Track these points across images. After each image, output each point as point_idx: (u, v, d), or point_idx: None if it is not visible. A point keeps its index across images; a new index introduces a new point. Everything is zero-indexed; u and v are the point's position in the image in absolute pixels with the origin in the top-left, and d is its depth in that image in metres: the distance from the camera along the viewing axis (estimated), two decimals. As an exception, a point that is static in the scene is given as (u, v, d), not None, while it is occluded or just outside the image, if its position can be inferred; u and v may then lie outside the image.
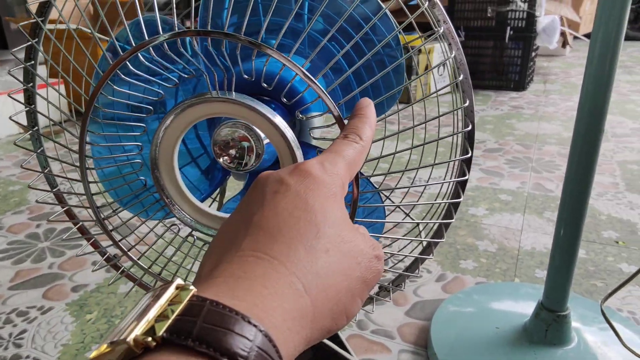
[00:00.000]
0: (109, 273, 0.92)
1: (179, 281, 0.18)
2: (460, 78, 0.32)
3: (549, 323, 0.65)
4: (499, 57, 2.42)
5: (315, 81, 0.29)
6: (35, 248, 1.03)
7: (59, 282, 0.91)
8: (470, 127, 0.33)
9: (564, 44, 3.04)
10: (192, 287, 0.18)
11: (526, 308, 0.73)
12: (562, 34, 2.99)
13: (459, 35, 2.40)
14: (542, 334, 0.65)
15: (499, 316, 0.74)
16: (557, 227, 0.63)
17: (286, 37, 0.43)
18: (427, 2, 0.31)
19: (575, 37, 3.31)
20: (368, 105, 0.28)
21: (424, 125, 0.44)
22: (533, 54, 2.45)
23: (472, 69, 2.48)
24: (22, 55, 0.39)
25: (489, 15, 2.36)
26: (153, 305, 0.17)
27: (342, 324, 0.21)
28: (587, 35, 3.41)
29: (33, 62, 0.37)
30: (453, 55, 0.32)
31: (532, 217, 1.12)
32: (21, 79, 0.38)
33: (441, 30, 0.31)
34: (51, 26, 0.37)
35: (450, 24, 0.33)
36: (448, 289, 0.85)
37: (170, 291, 0.17)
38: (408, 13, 0.34)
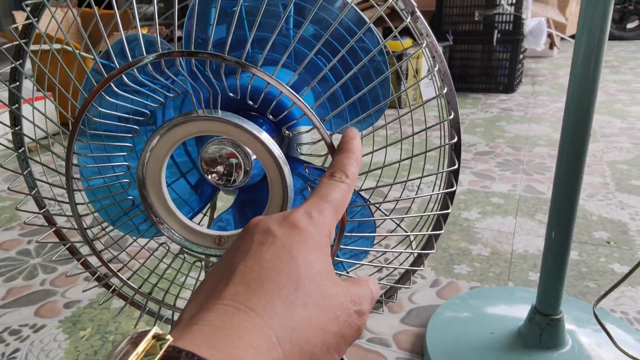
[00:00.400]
0: (102, 288, 0.91)
1: (155, 329, 0.18)
2: (445, 91, 0.33)
3: (543, 327, 0.65)
4: (488, 60, 2.44)
5: (303, 102, 0.29)
6: (26, 265, 1.02)
7: (51, 298, 0.90)
8: (456, 139, 0.33)
9: (551, 45, 3.08)
10: (168, 336, 0.18)
11: (520, 312, 0.73)
12: (549, 35, 3.02)
13: (447, 40, 2.42)
14: (536, 338, 0.66)
15: (493, 321, 0.74)
16: (548, 229, 0.64)
17: (276, 51, 0.43)
18: (409, 16, 0.32)
19: (562, 39, 3.34)
20: (354, 137, 0.29)
21: (413, 128, 0.44)
22: (521, 56, 2.47)
23: (462, 73, 2.50)
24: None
25: (476, 19, 2.38)
26: (131, 353, 0.17)
27: None
28: (574, 37, 3.45)
29: (18, 83, 0.37)
30: (437, 68, 0.32)
31: (524, 219, 1.12)
32: (7, 96, 0.38)
33: (424, 45, 0.32)
34: (35, 47, 0.37)
35: (433, 37, 0.34)
36: (443, 295, 0.85)
37: (147, 340, 0.18)
38: (392, 26, 0.34)
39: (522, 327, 0.69)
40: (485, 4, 2.35)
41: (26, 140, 0.44)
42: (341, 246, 0.33)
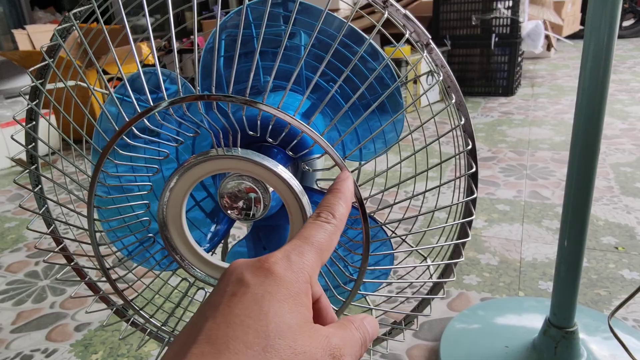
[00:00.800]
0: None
1: None
2: (463, 122, 0.33)
3: (558, 340, 0.65)
4: (486, 64, 2.45)
5: (325, 141, 0.29)
6: (35, 287, 1.02)
7: (62, 322, 0.90)
8: (474, 169, 0.34)
9: (549, 46, 3.09)
10: None
11: (533, 323, 0.73)
12: (546, 37, 3.03)
13: (445, 45, 2.42)
14: (551, 351, 0.66)
15: (507, 334, 0.74)
16: (561, 238, 0.63)
17: (283, 79, 0.44)
18: (425, 50, 0.32)
19: (558, 39, 3.35)
20: (346, 179, 0.28)
21: (424, 138, 0.44)
22: (519, 58, 2.48)
23: (461, 77, 2.51)
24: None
25: (473, 23, 2.39)
26: None
27: None
28: (570, 37, 3.46)
29: (34, 122, 0.37)
30: (454, 101, 0.32)
31: (531, 226, 1.12)
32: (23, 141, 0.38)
33: (441, 78, 0.32)
34: (51, 86, 0.37)
35: (448, 67, 0.34)
36: (454, 307, 0.85)
37: None
38: (409, 61, 0.34)
39: (537, 340, 0.69)
40: (482, 8, 2.36)
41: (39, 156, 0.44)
42: (364, 280, 0.33)
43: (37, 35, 2.13)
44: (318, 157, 0.34)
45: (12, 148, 1.79)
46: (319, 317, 0.26)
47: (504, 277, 0.93)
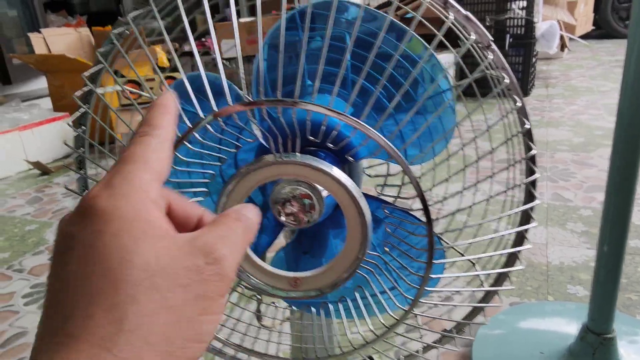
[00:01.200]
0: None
1: None
2: (528, 126, 0.32)
3: (596, 347, 0.64)
4: (500, 65, 2.44)
5: (392, 146, 0.29)
6: (58, 290, 1.02)
7: (87, 325, 0.89)
8: (538, 175, 0.33)
9: (562, 47, 3.07)
10: None
11: (566, 328, 0.72)
12: (560, 37, 3.01)
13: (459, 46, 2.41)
14: (589, 358, 0.64)
15: (540, 339, 0.73)
16: (600, 243, 0.62)
17: (330, 82, 0.43)
18: (490, 55, 0.31)
19: (571, 39, 3.33)
20: (164, 94, 0.23)
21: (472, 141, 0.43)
22: (534, 59, 2.46)
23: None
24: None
25: (487, 24, 2.38)
26: None
27: (194, 354, 0.19)
28: (582, 37, 3.43)
29: (84, 127, 0.37)
30: (519, 105, 0.32)
31: (555, 229, 1.11)
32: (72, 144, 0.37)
33: (506, 80, 0.31)
34: (100, 90, 0.37)
35: (509, 67, 0.33)
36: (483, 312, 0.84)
37: None
38: (467, 71, 0.33)
39: (573, 346, 0.67)
40: (496, 9, 2.34)
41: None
42: (426, 288, 0.32)
43: (53, 38, 2.14)
44: (383, 163, 0.33)
45: (30, 151, 1.80)
46: (184, 224, 0.22)
47: (531, 281, 0.92)
